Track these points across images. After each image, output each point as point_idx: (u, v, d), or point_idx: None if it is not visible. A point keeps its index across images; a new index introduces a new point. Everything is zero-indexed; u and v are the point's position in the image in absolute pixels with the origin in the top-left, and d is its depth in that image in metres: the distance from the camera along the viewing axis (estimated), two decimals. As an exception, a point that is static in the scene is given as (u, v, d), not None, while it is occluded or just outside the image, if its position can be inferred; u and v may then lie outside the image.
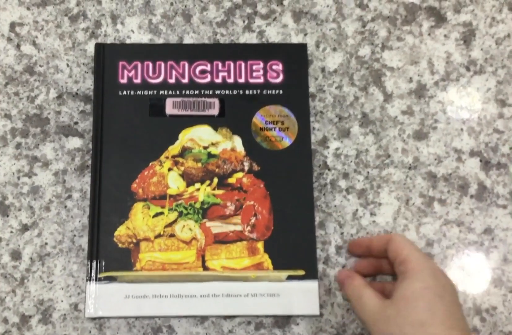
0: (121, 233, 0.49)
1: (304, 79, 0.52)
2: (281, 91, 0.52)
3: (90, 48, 0.54)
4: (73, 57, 0.54)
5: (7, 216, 0.50)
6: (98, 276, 0.48)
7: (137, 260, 0.48)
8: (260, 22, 0.55)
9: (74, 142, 0.52)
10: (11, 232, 0.50)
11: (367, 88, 0.53)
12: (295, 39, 0.55)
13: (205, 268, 0.48)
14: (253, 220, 0.49)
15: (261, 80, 0.52)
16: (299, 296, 0.47)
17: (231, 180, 0.50)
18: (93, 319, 0.48)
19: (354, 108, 0.53)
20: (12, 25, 0.54)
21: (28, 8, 0.55)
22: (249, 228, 0.49)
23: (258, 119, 0.51)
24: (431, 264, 0.41)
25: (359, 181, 0.51)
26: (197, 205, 0.49)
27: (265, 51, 0.53)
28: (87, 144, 0.52)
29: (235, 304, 0.47)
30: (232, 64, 0.52)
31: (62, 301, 0.48)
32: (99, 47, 0.53)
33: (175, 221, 0.49)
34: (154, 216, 0.49)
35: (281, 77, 0.52)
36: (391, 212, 0.50)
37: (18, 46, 0.54)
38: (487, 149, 0.52)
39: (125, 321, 0.48)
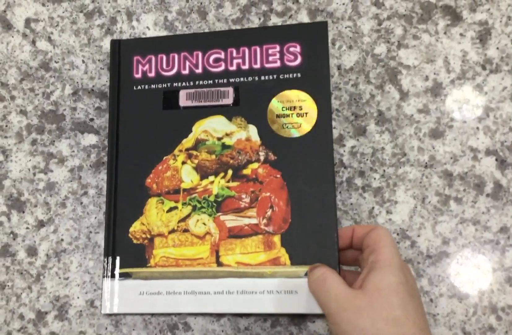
0: (136, 229, 0.48)
1: (324, 60, 0.49)
2: (299, 75, 0.49)
3: (106, 44, 0.54)
4: (89, 54, 0.54)
5: (23, 212, 0.50)
6: (113, 272, 0.47)
7: (151, 256, 0.47)
8: (275, 19, 0.55)
9: (90, 139, 0.52)
10: (27, 228, 0.50)
11: (383, 86, 0.53)
12: (311, 37, 0.54)
13: (219, 263, 0.47)
14: (269, 212, 0.47)
15: (278, 64, 0.49)
16: None
17: (246, 171, 0.48)
18: (109, 315, 0.48)
19: (370, 107, 0.53)
20: (28, 21, 0.54)
21: (43, 4, 0.55)
22: (265, 221, 0.47)
23: (275, 106, 0.49)
24: (402, 261, 0.39)
25: (375, 179, 0.51)
26: (211, 198, 0.48)
27: (281, 33, 0.50)
28: (102, 141, 0.52)
29: (250, 301, 0.45)
30: (247, 50, 0.50)
31: (78, 297, 0.48)
32: (115, 44, 0.52)
33: (189, 216, 0.48)
34: (168, 211, 0.48)
35: (299, 60, 0.49)
36: (407, 210, 0.50)
37: (33, 42, 0.54)
38: (503, 148, 0.52)
39: (141, 318, 0.48)
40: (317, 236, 0.45)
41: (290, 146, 0.48)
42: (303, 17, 0.55)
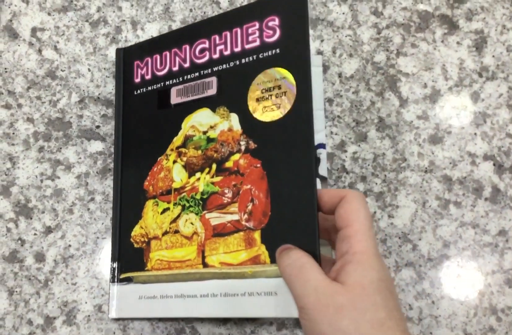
0: (136, 232, 0.48)
1: (303, 29, 0.42)
2: (278, 50, 0.44)
3: (111, 53, 0.55)
4: (94, 62, 0.55)
5: (31, 218, 0.50)
6: (118, 277, 0.48)
7: (148, 259, 0.47)
8: (277, 28, 0.56)
9: (96, 146, 0.53)
10: (35, 234, 0.50)
11: (383, 94, 0.55)
12: (312, 45, 0.56)
13: (205, 264, 0.44)
14: (249, 206, 0.42)
15: (257, 43, 0.45)
16: None
17: (229, 164, 0.44)
18: (117, 320, 0.48)
19: (371, 113, 0.54)
20: (34, 30, 0.55)
21: (49, 14, 0.55)
22: (245, 216, 0.42)
23: (254, 89, 0.44)
24: (377, 248, 0.35)
25: (376, 184, 0.52)
26: (198, 196, 0.45)
27: (260, 9, 0.45)
28: (109, 147, 0.53)
29: (231, 305, 0.42)
30: (228, 34, 0.46)
31: (86, 302, 0.49)
32: (119, 52, 0.53)
33: (179, 216, 0.46)
34: (162, 213, 0.47)
35: (277, 34, 0.44)
36: (409, 214, 0.52)
37: (39, 51, 0.54)
38: (500, 153, 0.53)
39: (149, 322, 0.48)
40: (297, 229, 0.39)
41: (270, 131, 0.43)
42: (304, 26, 0.56)
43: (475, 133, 0.54)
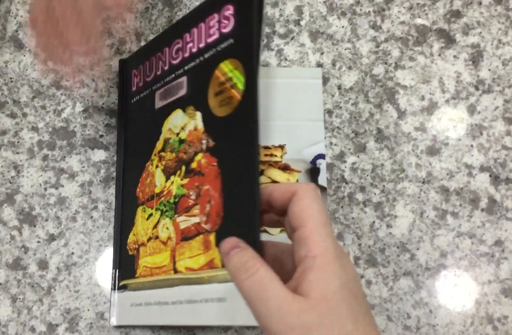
0: (130, 240, 0.48)
1: (253, 18, 0.38)
2: (232, 41, 0.41)
3: (115, 63, 0.56)
4: (99, 73, 0.56)
5: (34, 226, 0.51)
6: (118, 285, 0.48)
7: (138, 266, 0.46)
8: (278, 41, 0.57)
9: (100, 155, 0.53)
10: (38, 242, 0.51)
11: (382, 105, 0.56)
12: (312, 57, 0.57)
13: (175, 270, 0.42)
14: (207, 207, 0.40)
15: (216, 36, 0.42)
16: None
17: (194, 165, 0.42)
18: (119, 327, 0.49)
19: (370, 124, 0.55)
20: (39, 41, 0.56)
21: (54, 25, 0.56)
22: (204, 218, 0.40)
23: (213, 84, 0.42)
24: (337, 246, 0.31)
25: (375, 194, 0.53)
26: (172, 200, 0.44)
27: (218, 0, 0.42)
28: (112, 156, 0.53)
29: (192, 312, 0.40)
30: (196, 31, 0.45)
31: (88, 310, 0.49)
32: (122, 63, 0.54)
33: (158, 221, 0.45)
34: (147, 219, 0.46)
35: (232, 24, 0.41)
36: (407, 224, 0.53)
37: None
38: (496, 165, 0.54)
39: (150, 330, 0.49)
40: (243, 231, 0.35)
41: (224, 127, 0.40)
42: (305, 39, 0.57)
43: (472, 145, 0.55)
